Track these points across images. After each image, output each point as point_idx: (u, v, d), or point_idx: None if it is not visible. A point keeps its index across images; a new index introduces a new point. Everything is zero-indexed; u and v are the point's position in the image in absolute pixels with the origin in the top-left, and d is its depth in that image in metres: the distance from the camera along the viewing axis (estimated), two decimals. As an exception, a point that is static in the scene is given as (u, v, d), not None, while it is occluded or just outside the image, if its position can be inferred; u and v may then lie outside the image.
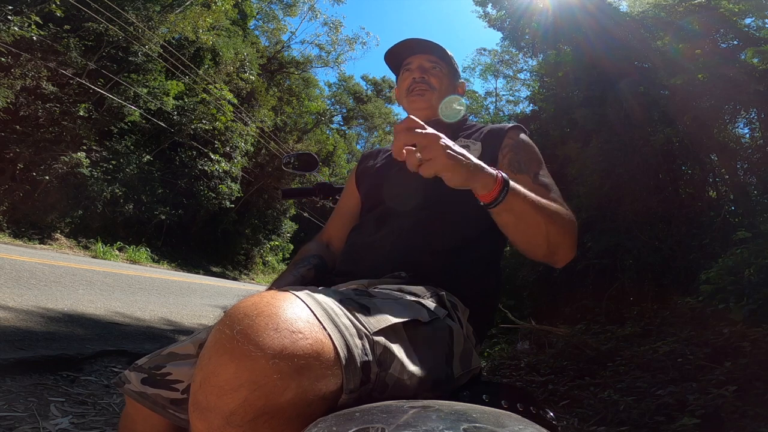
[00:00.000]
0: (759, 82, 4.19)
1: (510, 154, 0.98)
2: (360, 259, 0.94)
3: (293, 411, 0.43)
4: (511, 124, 1.06)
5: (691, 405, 2.11)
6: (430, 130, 0.68)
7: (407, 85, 1.12)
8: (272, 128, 19.78)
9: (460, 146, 1.00)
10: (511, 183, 0.74)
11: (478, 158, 0.97)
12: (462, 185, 0.69)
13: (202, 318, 4.76)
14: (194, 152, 15.45)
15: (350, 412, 0.40)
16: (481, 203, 0.75)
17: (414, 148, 0.67)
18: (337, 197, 1.50)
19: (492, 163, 0.97)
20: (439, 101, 1.11)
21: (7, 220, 10.42)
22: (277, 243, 21.56)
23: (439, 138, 0.67)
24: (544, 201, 0.80)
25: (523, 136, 1.03)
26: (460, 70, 1.21)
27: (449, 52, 1.15)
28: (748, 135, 5.33)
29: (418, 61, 1.13)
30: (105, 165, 12.31)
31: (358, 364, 0.49)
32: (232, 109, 15.90)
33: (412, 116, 0.71)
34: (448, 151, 0.67)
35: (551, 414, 0.66)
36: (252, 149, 18.19)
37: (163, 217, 14.30)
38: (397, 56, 1.17)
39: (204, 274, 14.90)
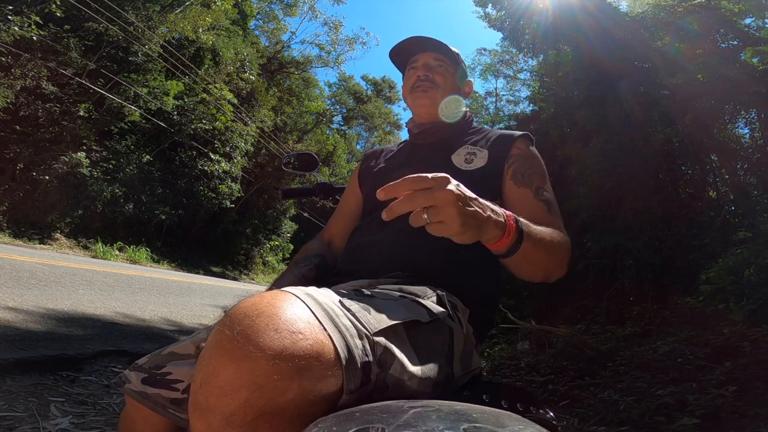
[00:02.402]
0: (759, 82, 4.19)
1: (515, 164, 0.98)
2: (360, 259, 0.94)
3: (293, 411, 0.43)
4: (520, 133, 1.05)
5: (691, 405, 2.10)
6: (436, 183, 0.57)
7: (412, 82, 1.11)
8: (272, 128, 19.78)
9: (466, 153, 1.01)
10: (525, 230, 0.71)
11: (484, 166, 0.98)
12: (468, 242, 0.62)
13: (202, 318, 4.76)
14: (194, 152, 15.46)
15: (350, 412, 0.40)
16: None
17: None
18: (338, 197, 1.50)
19: (497, 171, 0.98)
20: (443, 99, 1.10)
21: (7, 220, 10.42)
22: (277, 243, 21.56)
23: (454, 198, 0.57)
24: (547, 236, 0.79)
25: (531, 147, 1.03)
26: (467, 69, 1.20)
27: (456, 50, 1.13)
28: (748, 135, 5.34)
29: (423, 58, 1.11)
30: (105, 165, 12.31)
31: (359, 365, 0.49)
32: (232, 109, 15.90)
33: (413, 177, 0.58)
34: (462, 212, 0.58)
35: (551, 414, 0.66)
36: (252, 149, 18.19)
37: (163, 217, 14.30)
38: (403, 54, 1.16)
39: (204, 274, 14.90)
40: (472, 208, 0.61)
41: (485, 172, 0.97)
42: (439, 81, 1.09)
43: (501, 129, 1.24)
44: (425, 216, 0.57)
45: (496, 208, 0.68)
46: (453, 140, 1.08)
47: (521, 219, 0.73)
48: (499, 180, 0.98)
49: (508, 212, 0.70)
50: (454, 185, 0.59)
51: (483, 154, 1.00)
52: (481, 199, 0.65)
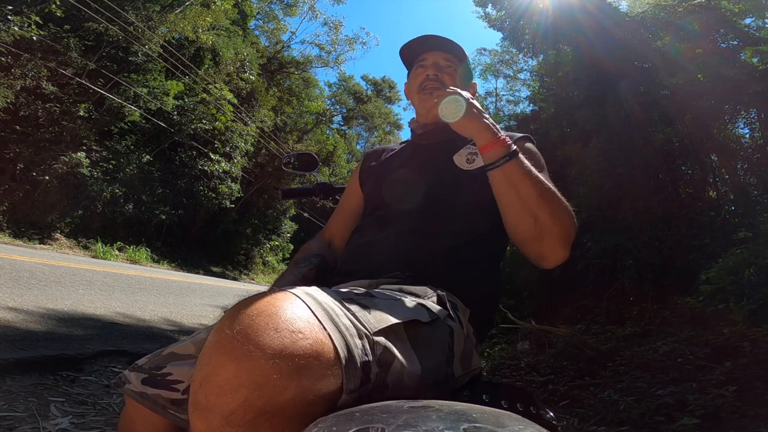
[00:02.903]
0: (759, 82, 4.19)
1: None
2: (361, 259, 0.94)
3: (293, 411, 0.43)
4: (519, 135, 1.05)
5: (691, 405, 2.11)
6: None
7: (420, 81, 1.10)
8: (272, 128, 19.78)
9: (468, 153, 1.01)
10: (518, 152, 0.83)
11: (485, 165, 0.98)
12: (463, 126, 0.84)
13: (202, 318, 4.76)
14: (194, 152, 15.46)
15: (350, 412, 0.40)
16: (483, 163, 0.85)
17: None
18: (338, 197, 1.50)
19: None
20: None
21: (7, 220, 10.42)
22: (277, 243, 21.56)
23: (467, 100, 0.84)
24: (545, 182, 0.84)
25: (529, 145, 1.03)
26: (472, 71, 1.20)
27: (465, 52, 1.12)
28: (748, 135, 5.34)
29: (433, 58, 1.10)
30: (105, 165, 12.31)
31: (358, 364, 0.48)
32: (232, 109, 15.90)
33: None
34: (472, 100, 0.84)
35: (551, 414, 0.66)
36: (252, 149, 18.19)
37: (163, 217, 14.30)
38: (413, 51, 1.14)
39: (204, 274, 14.90)
40: (478, 108, 0.85)
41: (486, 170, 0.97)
42: (447, 82, 1.08)
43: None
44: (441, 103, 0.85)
45: (501, 129, 0.86)
46: (456, 141, 1.07)
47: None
48: None
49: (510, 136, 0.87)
50: (471, 98, 0.86)
51: None
52: (490, 117, 0.86)
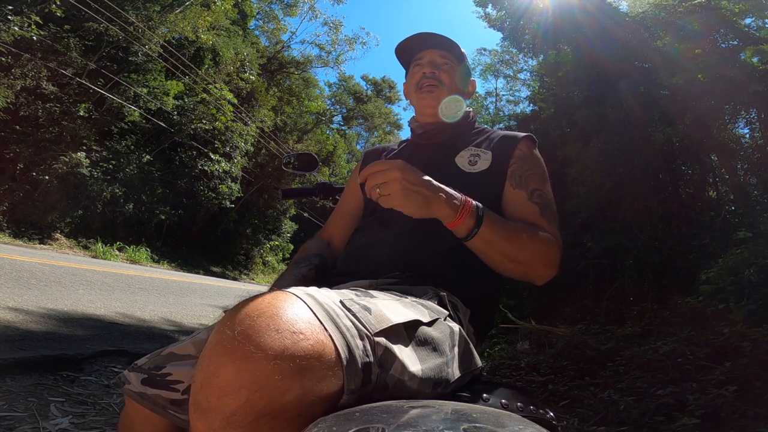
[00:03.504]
0: (759, 82, 4.19)
1: (515, 166, 0.98)
2: (361, 259, 0.94)
3: (294, 412, 0.43)
4: (523, 135, 1.04)
5: (691, 405, 2.10)
6: (390, 166, 0.75)
7: (417, 79, 1.09)
8: (272, 128, 19.78)
9: (470, 155, 1.01)
10: (485, 216, 0.81)
11: (488, 168, 0.99)
12: (420, 216, 0.77)
13: (202, 318, 4.76)
14: (194, 152, 15.46)
15: (350, 412, 0.40)
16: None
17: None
18: (337, 197, 1.50)
19: (500, 173, 0.98)
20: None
21: (7, 220, 10.42)
22: (277, 243, 21.56)
23: (399, 176, 0.74)
24: (520, 230, 0.86)
25: (533, 150, 1.03)
26: (470, 68, 1.19)
27: (462, 49, 1.11)
28: (748, 135, 5.34)
29: (430, 55, 1.09)
30: (105, 165, 12.31)
31: (359, 365, 0.48)
32: (232, 109, 15.90)
33: (375, 163, 0.77)
34: (405, 187, 0.74)
35: (551, 414, 0.66)
36: (252, 149, 18.19)
37: (163, 217, 14.30)
38: (409, 50, 1.14)
39: (204, 274, 14.90)
40: (416, 188, 0.75)
41: (488, 174, 0.97)
42: (444, 80, 1.07)
43: (502, 129, 1.23)
44: (378, 190, 0.75)
45: (456, 194, 0.80)
46: (456, 141, 1.07)
47: (488, 210, 0.83)
48: (501, 181, 0.97)
49: (470, 199, 0.81)
50: (400, 167, 0.75)
51: (487, 156, 1.00)
52: (438, 184, 0.79)
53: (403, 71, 1.22)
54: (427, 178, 0.77)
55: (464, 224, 0.80)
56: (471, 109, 1.15)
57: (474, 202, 0.81)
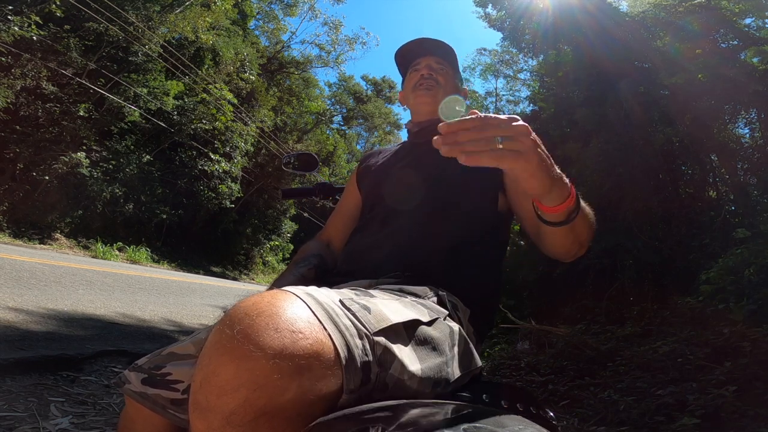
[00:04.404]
0: (759, 82, 4.19)
1: None
2: (361, 259, 0.94)
3: (293, 411, 0.43)
4: None
5: (691, 405, 2.10)
6: (515, 117, 0.58)
7: (415, 81, 1.13)
8: (272, 128, 19.78)
9: None
10: (581, 203, 0.72)
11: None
12: (542, 189, 0.62)
13: (202, 318, 4.76)
14: (194, 152, 15.46)
15: (350, 412, 0.40)
16: (545, 219, 0.70)
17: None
18: (337, 197, 1.50)
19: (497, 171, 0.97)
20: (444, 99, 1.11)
21: (7, 220, 10.42)
22: (277, 243, 21.57)
23: (529, 131, 0.57)
24: (587, 209, 0.79)
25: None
26: (461, 75, 1.23)
27: (456, 56, 1.16)
28: (748, 135, 5.33)
29: (426, 61, 1.14)
30: (105, 165, 12.31)
31: (359, 365, 0.48)
32: (232, 109, 15.91)
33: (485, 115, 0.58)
34: (540, 150, 0.58)
35: (551, 414, 0.66)
36: (252, 149, 18.20)
37: (164, 217, 14.31)
38: (407, 56, 1.18)
39: (204, 274, 14.90)
40: (547, 153, 0.60)
41: (484, 169, 0.97)
42: (441, 82, 1.11)
43: None
44: (500, 144, 0.54)
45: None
46: None
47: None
48: (497, 177, 0.97)
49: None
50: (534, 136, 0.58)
51: None
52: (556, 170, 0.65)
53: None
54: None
55: (569, 209, 0.69)
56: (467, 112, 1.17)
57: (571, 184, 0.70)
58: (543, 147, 0.59)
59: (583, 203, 0.75)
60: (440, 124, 0.55)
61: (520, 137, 0.56)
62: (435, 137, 0.56)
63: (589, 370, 3.06)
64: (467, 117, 0.54)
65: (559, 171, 0.64)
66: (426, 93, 1.10)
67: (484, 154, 0.54)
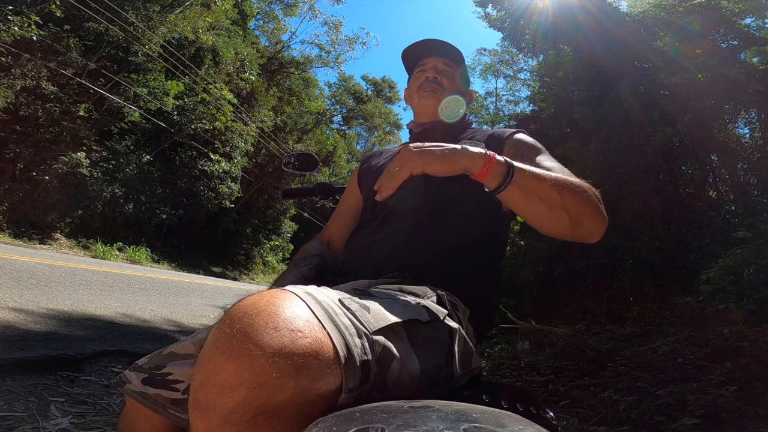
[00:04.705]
0: (759, 82, 4.19)
1: (511, 151, 0.98)
2: (361, 258, 0.94)
3: (292, 410, 0.43)
4: (512, 130, 1.06)
5: (691, 405, 2.11)
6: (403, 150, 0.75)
7: (420, 82, 1.14)
8: (272, 128, 19.78)
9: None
10: (513, 163, 0.74)
11: None
12: (449, 171, 0.73)
13: (202, 318, 4.76)
14: (194, 152, 15.46)
15: (350, 412, 0.40)
16: (487, 189, 0.75)
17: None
18: (338, 197, 1.50)
19: None
20: None
21: (7, 220, 10.42)
22: (277, 243, 21.57)
23: (407, 148, 0.74)
24: (553, 175, 0.78)
25: (519, 135, 1.03)
26: (469, 77, 1.23)
27: (463, 57, 1.17)
28: (748, 135, 5.33)
29: (433, 62, 1.15)
30: (105, 165, 12.31)
31: (358, 364, 0.48)
32: (232, 109, 15.91)
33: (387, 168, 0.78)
34: (416, 150, 0.73)
35: (551, 414, 0.66)
36: (252, 149, 18.20)
37: (164, 217, 14.31)
38: (414, 56, 1.19)
39: (204, 274, 14.90)
40: (432, 146, 0.74)
41: None
42: (446, 84, 1.12)
43: (501, 128, 1.25)
44: (395, 168, 0.74)
45: (479, 145, 0.77)
46: (452, 137, 1.09)
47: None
48: None
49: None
50: (412, 145, 0.75)
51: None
52: (454, 144, 0.76)
53: (404, 71, 1.26)
54: (442, 143, 0.76)
55: (496, 169, 0.72)
56: (467, 112, 1.20)
57: (496, 156, 0.75)
58: (431, 143, 0.75)
59: (538, 169, 0.78)
60: (375, 185, 0.76)
61: (403, 155, 0.74)
62: (376, 196, 0.77)
63: (589, 370, 3.06)
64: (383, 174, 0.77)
65: (469, 146, 0.74)
66: (430, 96, 1.11)
67: (392, 181, 0.75)
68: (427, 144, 0.75)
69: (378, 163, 1.18)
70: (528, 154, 0.95)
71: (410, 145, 0.75)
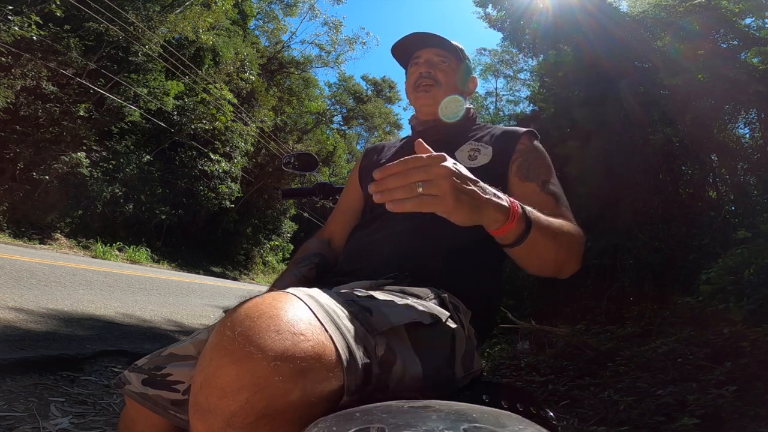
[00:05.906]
0: (759, 82, 4.18)
1: (520, 159, 0.97)
2: (361, 259, 0.94)
3: (294, 413, 0.43)
4: (524, 130, 1.04)
5: (691, 405, 2.10)
6: (434, 160, 0.58)
7: (414, 79, 1.11)
8: (272, 128, 19.78)
9: (470, 150, 1.00)
10: (532, 218, 0.69)
11: (488, 163, 0.97)
12: (465, 224, 0.62)
13: (202, 318, 4.76)
14: (194, 152, 15.46)
15: (350, 412, 0.40)
16: (496, 239, 0.69)
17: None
18: (337, 197, 1.50)
19: (501, 168, 0.96)
20: (445, 97, 1.09)
21: (7, 220, 10.42)
22: (277, 243, 21.56)
23: (449, 172, 0.58)
24: (555, 226, 0.77)
25: (536, 143, 1.02)
26: (471, 65, 1.18)
27: (459, 45, 1.12)
28: (748, 135, 5.32)
29: (426, 55, 1.10)
30: (105, 165, 12.31)
31: (360, 366, 0.48)
32: (232, 109, 15.90)
33: (418, 144, 0.62)
34: (457, 187, 0.58)
35: (551, 414, 0.66)
36: (252, 149, 18.19)
37: (163, 217, 14.30)
38: (406, 49, 1.15)
39: (204, 274, 14.89)
40: (469, 187, 0.60)
41: (489, 169, 0.96)
42: (441, 78, 1.08)
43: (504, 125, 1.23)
44: (419, 188, 0.56)
45: (500, 194, 0.67)
46: (457, 137, 1.07)
47: (528, 207, 0.71)
48: (504, 176, 0.97)
49: (513, 200, 0.68)
50: (451, 162, 0.59)
51: (487, 151, 1.00)
52: (483, 183, 0.64)
53: (403, 71, 1.22)
54: (475, 178, 0.63)
55: (515, 230, 0.68)
56: (472, 107, 1.15)
57: (518, 203, 0.69)
58: (463, 180, 0.59)
59: (548, 221, 0.74)
60: (374, 171, 0.57)
61: (438, 180, 0.57)
62: (370, 185, 0.58)
63: (589, 370, 3.06)
64: (392, 163, 0.57)
65: (495, 197, 0.64)
66: (425, 95, 1.08)
67: (407, 201, 0.56)
68: (464, 173, 0.60)
69: (380, 160, 1.16)
70: (536, 172, 0.94)
71: (448, 164, 0.58)
